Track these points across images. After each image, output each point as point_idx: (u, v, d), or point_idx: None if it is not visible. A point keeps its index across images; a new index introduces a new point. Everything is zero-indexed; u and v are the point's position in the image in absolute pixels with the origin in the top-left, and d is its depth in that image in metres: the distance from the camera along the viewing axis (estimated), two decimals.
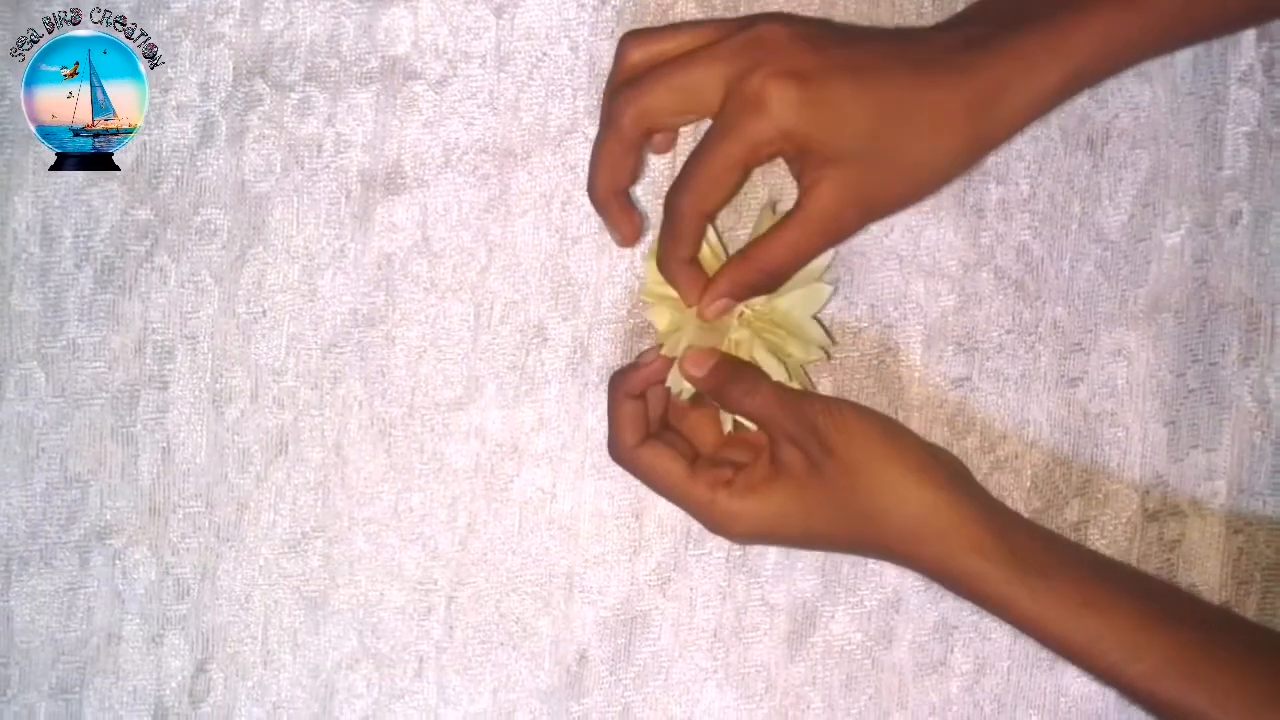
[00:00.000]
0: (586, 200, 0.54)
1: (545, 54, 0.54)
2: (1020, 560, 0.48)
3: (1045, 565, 0.48)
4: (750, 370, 0.50)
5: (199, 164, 0.54)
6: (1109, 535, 0.56)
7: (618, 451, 0.51)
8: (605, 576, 0.55)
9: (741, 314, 0.51)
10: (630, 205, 0.50)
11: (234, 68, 0.54)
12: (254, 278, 0.54)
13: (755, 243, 0.48)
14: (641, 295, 0.52)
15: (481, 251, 0.54)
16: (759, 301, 0.51)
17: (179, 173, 0.54)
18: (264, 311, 0.54)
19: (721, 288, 0.49)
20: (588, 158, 0.53)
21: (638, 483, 0.54)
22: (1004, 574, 0.48)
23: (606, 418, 0.51)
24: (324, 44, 0.54)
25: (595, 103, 0.54)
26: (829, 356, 0.54)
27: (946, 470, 0.49)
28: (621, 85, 0.48)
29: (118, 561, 0.54)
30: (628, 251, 0.54)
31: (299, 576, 0.54)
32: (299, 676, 0.54)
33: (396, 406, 0.54)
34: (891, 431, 0.49)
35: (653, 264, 0.51)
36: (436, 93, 0.54)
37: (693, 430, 0.52)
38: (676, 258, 0.49)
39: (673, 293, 0.50)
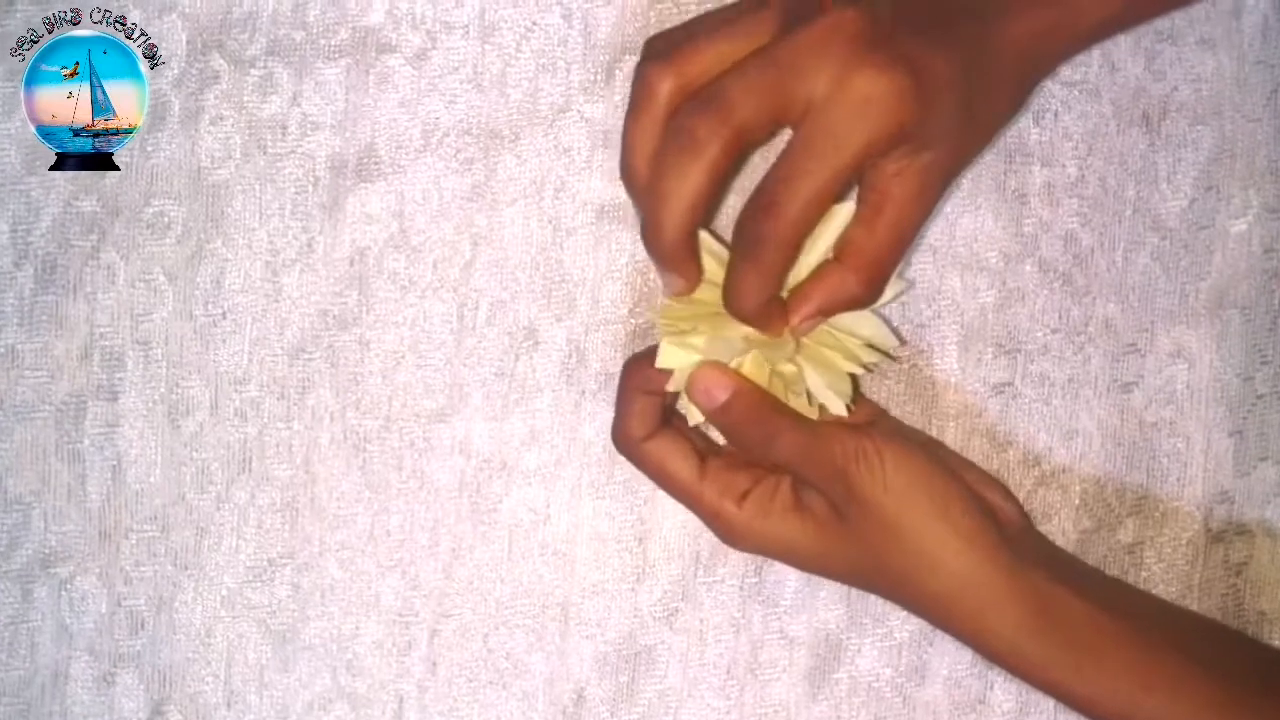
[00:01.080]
0: (581, 187, 0.49)
1: (535, 23, 0.49)
2: (1070, 638, 0.43)
3: (1101, 640, 0.44)
4: (771, 409, 0.44)
5: (149, 149, 0.49)
6: (1167, 559, 0.50)
7: (623, 442, 0.46)
8: (605, 607, 0.50)
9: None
10: (699, 246, 0.43)
11: (187, 41, 0.49)
12: (212, 276, 0.49)
13: (848, 246, 0.42)
14: (663, 338, 0.45)
15: (465, 245, 0.49)
16: None
17: (127, 159, 0.49)
18: (224, 313, 0.49)
19: (817, 301, 0.43)
20: (583, 140, 0.49)
21: (641, 503, 0.50)
22: (1048, 654, 0.43)
23: (615, 404, 0.46)
24: (288, 14, 0.49)
25: (591, 76, 0.49)
26: (895, 358, 0.49)
27: (994, 529, 0.44)
28: (691, 106, 0.41)
29: (64, 592, 0.49)
30: (628, 244, 0.49)
31: (265, 608, 0.49)
32: (266, 719, 0.49)
33: (372, 418, 0.49)
34: (936, 483, 0.44)
35: (673, 306, 0.44)
36: (414, 67, 0.49)
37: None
38: (764, 297, 0.42)
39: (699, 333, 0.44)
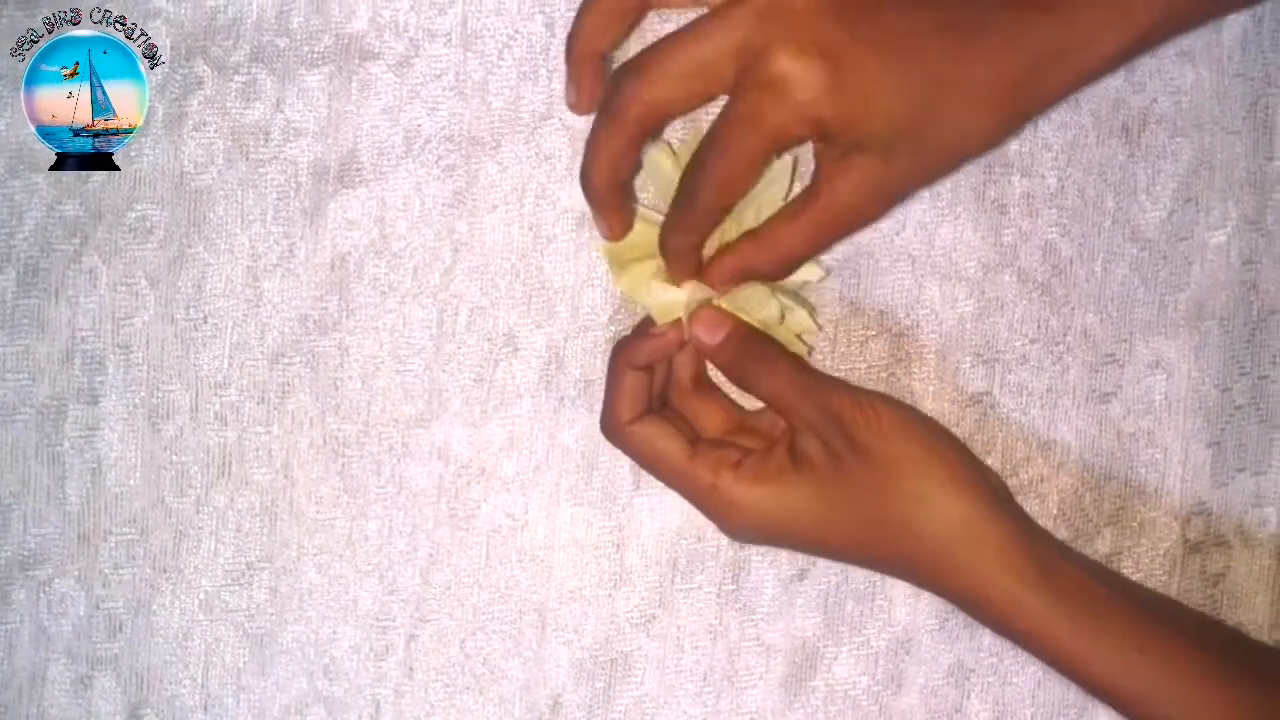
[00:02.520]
0: (562, 195, 0.49)
1: (517, 31, 0.49)
2: (1067, 593, 0.43)
3: (1096, 601, 0.43)
4: (770, 344, 0.46)
5: (132, 154, 0.49)
6: (1145, 568, 0.50)
7: (610, 427, 0.46)
8: (582, 613, 0.50)
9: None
10: (626, 197, 0.46)
11: (171, 47, 0.49)
12: (193, 280, 0.49)
13: (768, 226, 0.44)
14: (609, 263, 0.47)
15: (446, 251, 0.49)
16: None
17: None
18: (204, 318, 0.49)
19: (724, 270, 0.45)
20: (564, 147, 0.49)
21: (619, 509, 0.49)
22: (1047, 606, 0.43)
23: (605, 389, 0.46)
24: (272, 20, 0.49)
25: None
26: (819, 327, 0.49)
27: (990, 487, 0.44)
28: (624, 71, 0.43)
29: (43, 594, 0.49)
30: None
31: (243, 612, 0.49)
32: None
33: (351, 423, 0.49)
34: (932, 433, 0.45)
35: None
36: (396, 74, 0.49)
37: (696, 414, 0.48)
38: (688, 246, 0.45)
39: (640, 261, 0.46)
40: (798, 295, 0.48)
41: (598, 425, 0.47)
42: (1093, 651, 0.43)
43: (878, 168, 0.42)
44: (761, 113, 0.41)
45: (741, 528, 0.45)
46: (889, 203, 0.43)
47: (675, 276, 0.46)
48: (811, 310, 0.48)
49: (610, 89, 0.44)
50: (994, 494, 0.44)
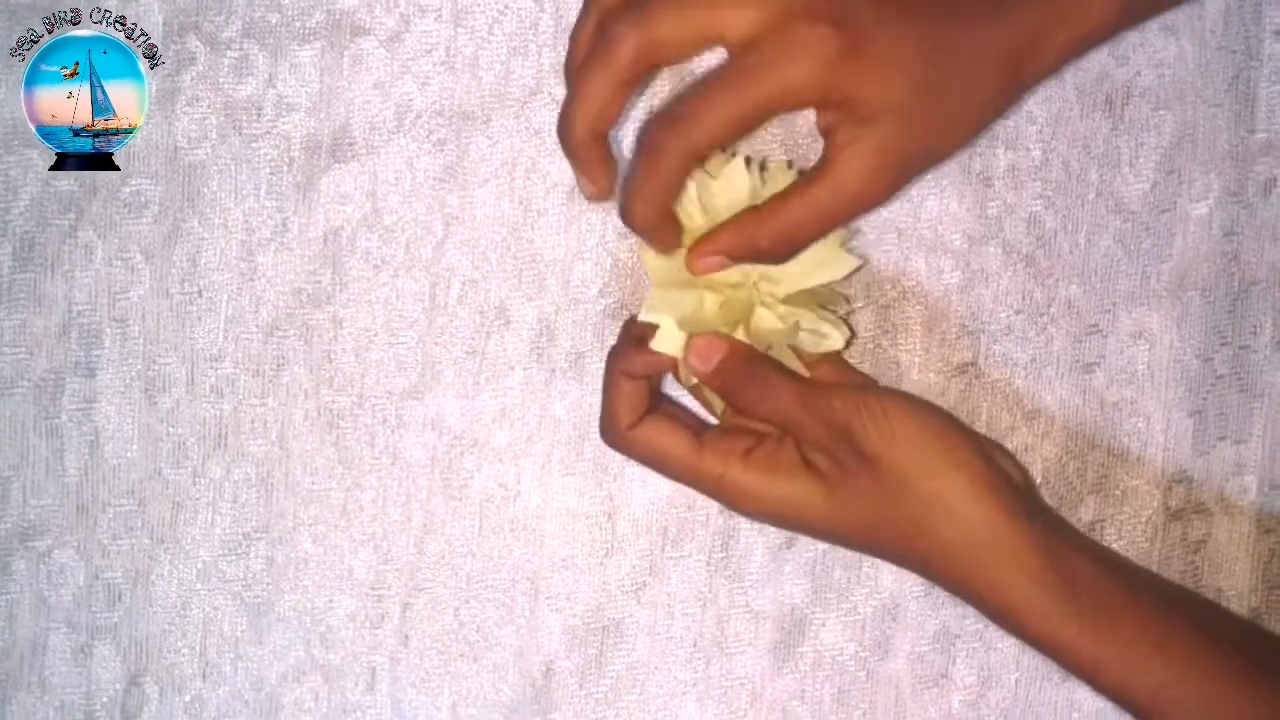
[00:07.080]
0: (552, 168, 0.50)
1: (507, 7, 0.49)
2: (1085, 594, 0.43)
3: (1110, 603, 0.43)
4: (766, 365, 0.45)
5: None
6: (1127, 536, 0.51)
7: (611, 434, 0.46)
8: (574, 581, 0.50)
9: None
10: (609, 151, 0.44)
11: (164, 23, 0.49)
12: (188, 254, 0.49)
13: (774, 201, 0.43)
14: (647, 310, 0.45)
15: (437, 224, 0.50)
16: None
17: None
18: (199, 291, 0.50)
19: (722, 242, 0.43)
20: (554, 122, 0.49)
21: (610, 479, 0.50)
22: (1065, 610, 0.43)
23: (601, 399, 0.46)
24: None
25: (562, 59, 0.49)
26: (846, 345, 0.48)
27: (1009, 484, 0.44)
28: (620, 6, 0.42)
29: (42, 565, 0.50)
30: (599, 225, 0.50)
31: (240, 581, 0.50)
32: (240, 690, 0.50)
33: (345, 395, 0.50)
34: (947, 433, 0.44)
35: (658, 260, 0.45)
36: (387, 50, 0.49)
37: (707, 401, 0.48)
38: (655, 203, 0.43)
39: (681, 295, 0.45)
40: (824, 312, 0.47)
41: (588, 396, 0.47)
42: (1107, 654, 0.43)
43: (890, 137, 0.41)
44: (775, 66, 0.40)
45: (750, 511, 0.45)
46: (901, 177, 0.43)
47: (652, 242, 0.44)
48: (837, 324, 0.46)
49: (600, 31, 0.42)
50: (1015, 496, 0.44)
